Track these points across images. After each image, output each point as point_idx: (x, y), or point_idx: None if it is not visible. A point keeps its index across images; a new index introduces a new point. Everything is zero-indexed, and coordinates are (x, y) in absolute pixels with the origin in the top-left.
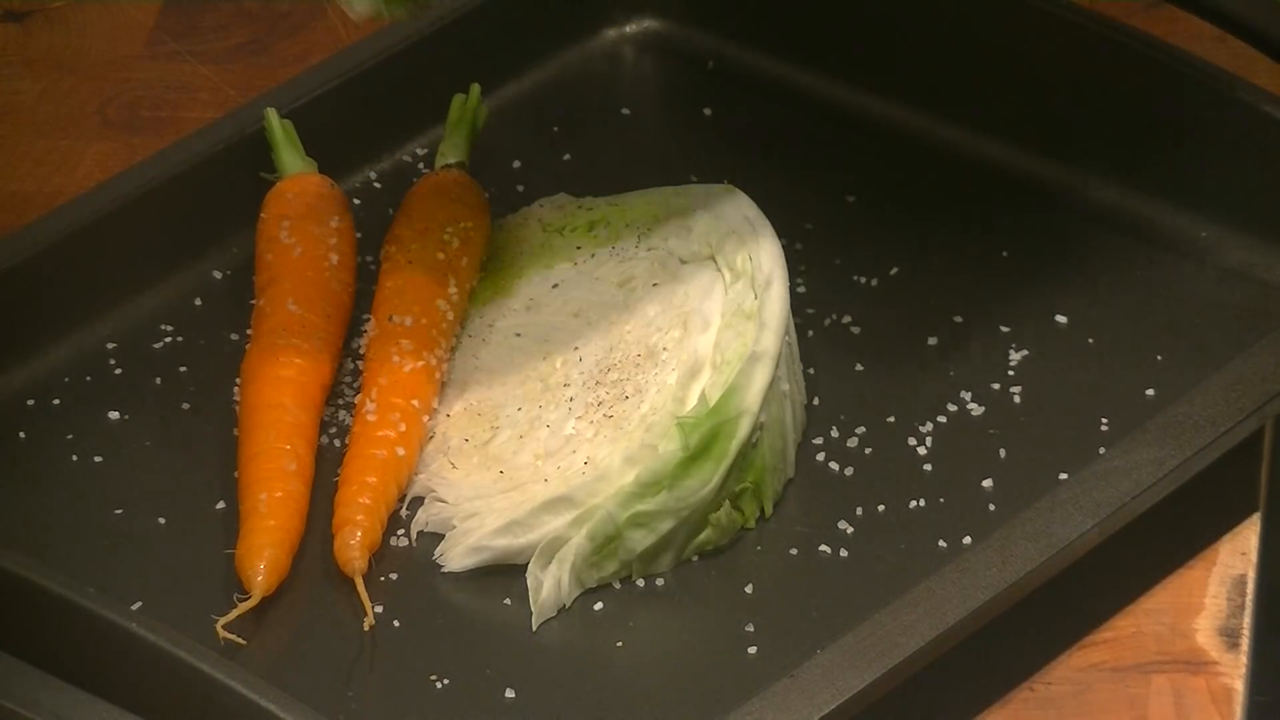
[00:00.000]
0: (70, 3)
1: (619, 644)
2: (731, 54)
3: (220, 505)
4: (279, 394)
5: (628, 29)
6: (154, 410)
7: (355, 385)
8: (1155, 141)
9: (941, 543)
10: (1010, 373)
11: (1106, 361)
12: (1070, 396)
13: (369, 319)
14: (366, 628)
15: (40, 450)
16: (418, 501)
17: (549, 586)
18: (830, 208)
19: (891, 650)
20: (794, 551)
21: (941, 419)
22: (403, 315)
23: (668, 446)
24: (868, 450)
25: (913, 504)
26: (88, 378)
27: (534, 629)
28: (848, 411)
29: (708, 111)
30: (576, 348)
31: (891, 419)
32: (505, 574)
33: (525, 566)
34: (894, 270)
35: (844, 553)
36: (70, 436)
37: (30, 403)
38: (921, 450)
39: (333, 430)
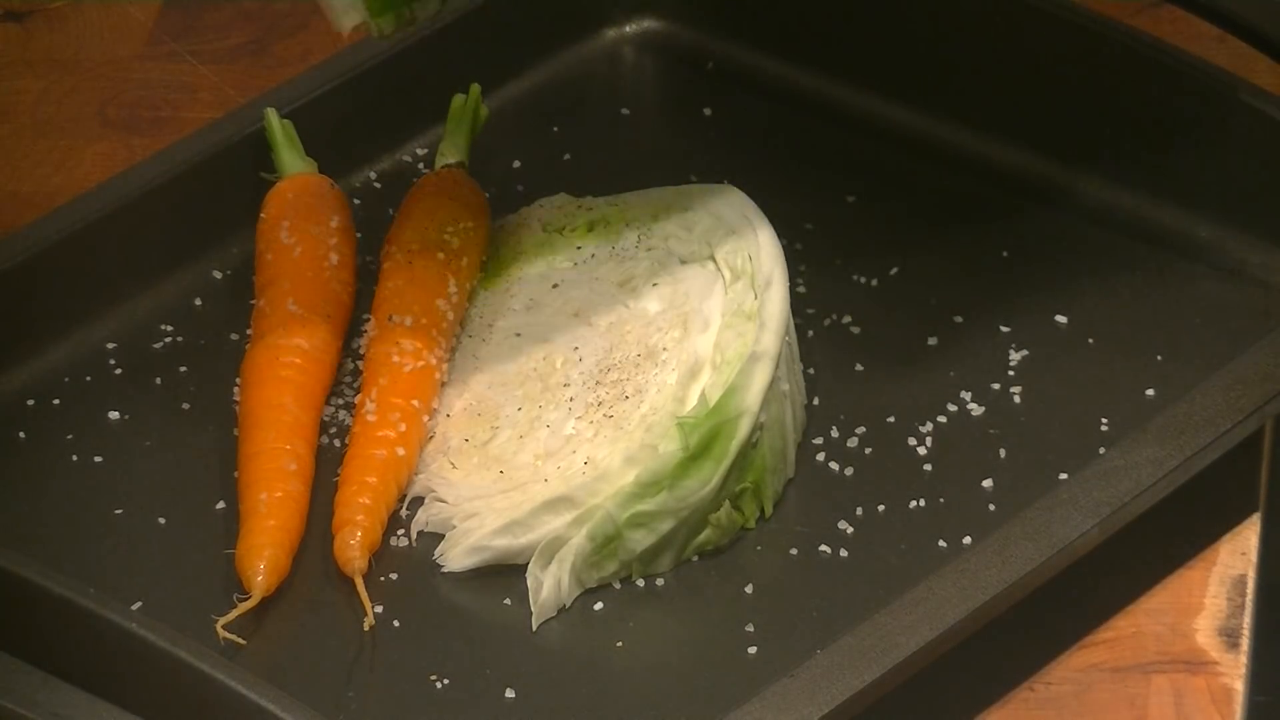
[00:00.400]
0: (70, 3)
1: (619, 644)
2: (731, 54)
3: (220, 505)
4: (279, 394)
5: (628, 29)
6: (154, 410)
7: (355, 385)
8: (1155, 141)
9: (941, 543)
10: (1010, 373)
11: (1106, 361)
12: (1070, 396)
13: (369, 319)
14: (366, 628)
15: (40, 450)
16: (418, 501)
17: (549, 586)
18: (830, 208)
19: (891, 650)
20: (794, 551)
21: (941, 419)
22: (403, 315)
23: (668, 446)
24: (868, 450)
25: (913, 504)
26: (88, 378)
27: (534, 629)
28: (848, 411)
29: (708, 111)
30: (576, 348)
31: (891, 419)
32: (505, 574)
33: (525, 566)
34: (894, 270)
35: (844, 553)
36: (70, 436)
37: (30, 403)
38: (921, 450)
39: (333, 430)
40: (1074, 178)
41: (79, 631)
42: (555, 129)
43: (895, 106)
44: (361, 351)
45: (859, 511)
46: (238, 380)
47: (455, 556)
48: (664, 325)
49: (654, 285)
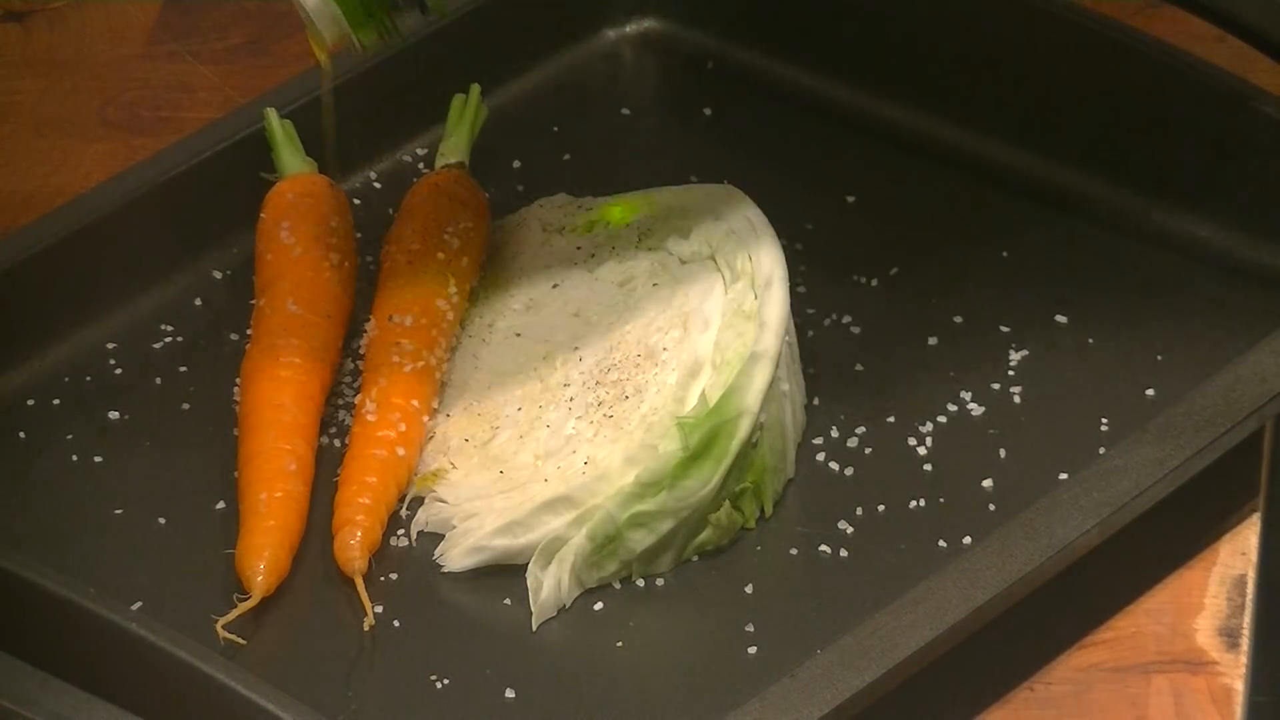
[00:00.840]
0: (70, 3)
1: (619, 644)
2: (731, 54)
3: (220, 505)
4: (279, 394)
5: (628, 29)
6: (154, 410)
7: (355, 385)
8: (1155, 142)
9: (941, 543)
10: (1010, 373)
11: (1106, 361)
12: (1070, 396)
13: (369, 319)
14: (366, 628)
15: (40, 450)
16: (418, 501)
17: (549, 586)
18: (830, 208)
19: (891, 650)
20: (794, 551)
21: (941, 419)
22: (403, 315)
23: (668, 446)
24: (868, 450)
25: (913, 504)
26: (88, 378)
27: (534, 629)
28: (848, 411)
29: (708, 111)
30: (576, 348)
31: (891, 419)
32: (505, 574)
33: (525, 566)
34: (894, 270)
35: (844, 553)
36: (70, 436)
37: (30, 403)
38: (921, 450)
39: (333, 430)
40: (1074, 178)
41: (79, 631)
42: (555, 129)
43: (895, 106)
44: (361, 351)
45: (859, 511)
46: (238, 380)
47: (455, 556)
48: (664, 325)
49: (654, 285)
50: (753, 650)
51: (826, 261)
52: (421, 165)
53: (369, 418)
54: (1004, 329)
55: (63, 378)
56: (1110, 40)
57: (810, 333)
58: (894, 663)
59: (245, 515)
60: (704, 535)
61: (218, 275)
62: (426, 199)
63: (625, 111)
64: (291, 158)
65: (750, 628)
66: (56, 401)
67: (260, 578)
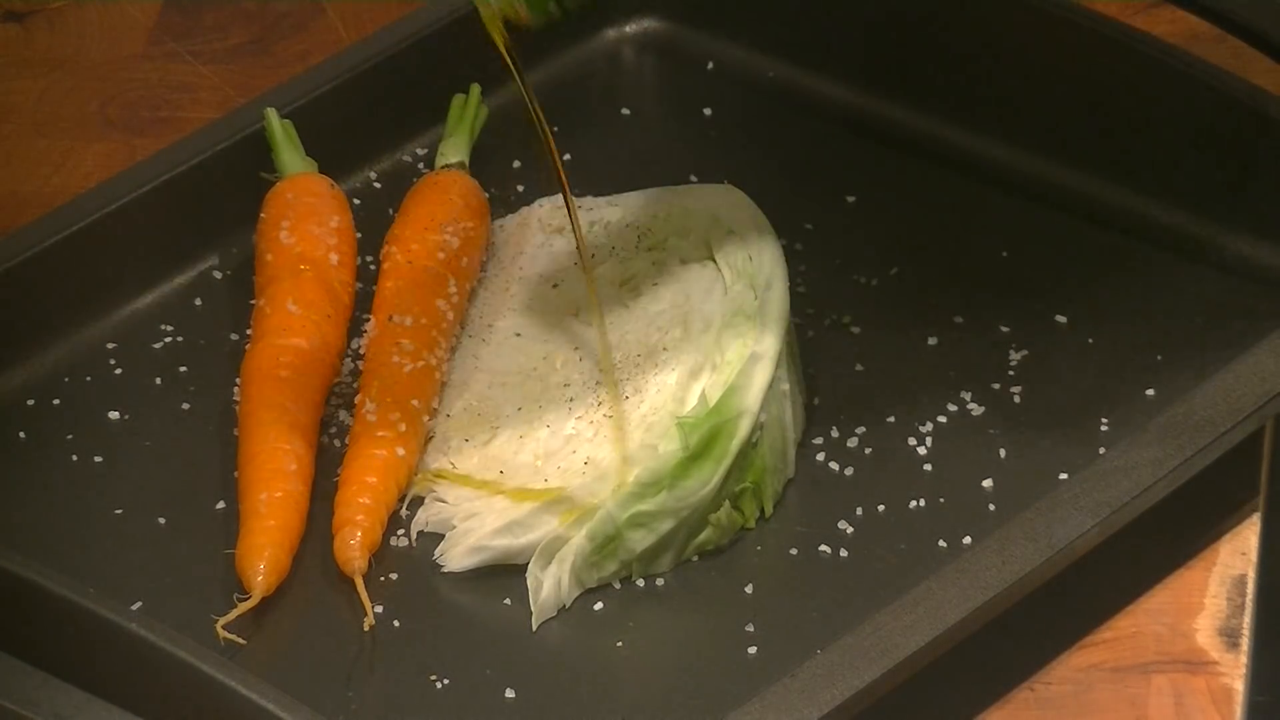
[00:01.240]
0: (70, 3)
1: (619, 644)
2: (731, 54)
3: (220, 505)
4: (279, 394)
5: (628, 29)
6: (154, 410)
7: (355, 385)
8: (1154, 141)
9: (941, 543)
10: (1010, 373)
11: (1106, 361)
12: (1070, 396)
13: (369, 319)
14: (366, 628)
15: (40, 450)
16: (418, 501)
17: (549, 586)
18: (830, 208)
19: (891, 650)
20: (794, 551)
21: (941, 419)
22: (403, 315)
23: (668, 446)
24: (868, 450)
25: (913, 504)
26: (88, 378)
27: (534, 629)
28: (848, 411)
29: (708, 111)
30: (576, 348)
31: (891, 419)
32: (505, 574)
33: (525, 566)
34: (894, 270)
35: (844, 553)
36: (70, 436)
37: (30, 403)
38: (921, 450)
39: (333, 430)
40: (1074, 177)
41: (79, 631)
42: (555, 129)
43: (896, 107)
44: (361, 351)
45: (859, 511)
46: (238, 380)
47: (455, 556)
48: (664, 325)
49: (654, 285)
50: (753, 650)
51: (826, 261)
52: (421, 165)
53: (369, 418)
54: (1004, 329)
55: (63, 378)
56: (1110, 40)
57: (810, 333)
58: (894, 663)
59: (245, 515)
60: (704, 535)
61: (218, 275)
62: (426, 199)
63: (625, 111)
64: (291, 158)
65: (750, 628)
66: (56, 401)
67: (260, 578)
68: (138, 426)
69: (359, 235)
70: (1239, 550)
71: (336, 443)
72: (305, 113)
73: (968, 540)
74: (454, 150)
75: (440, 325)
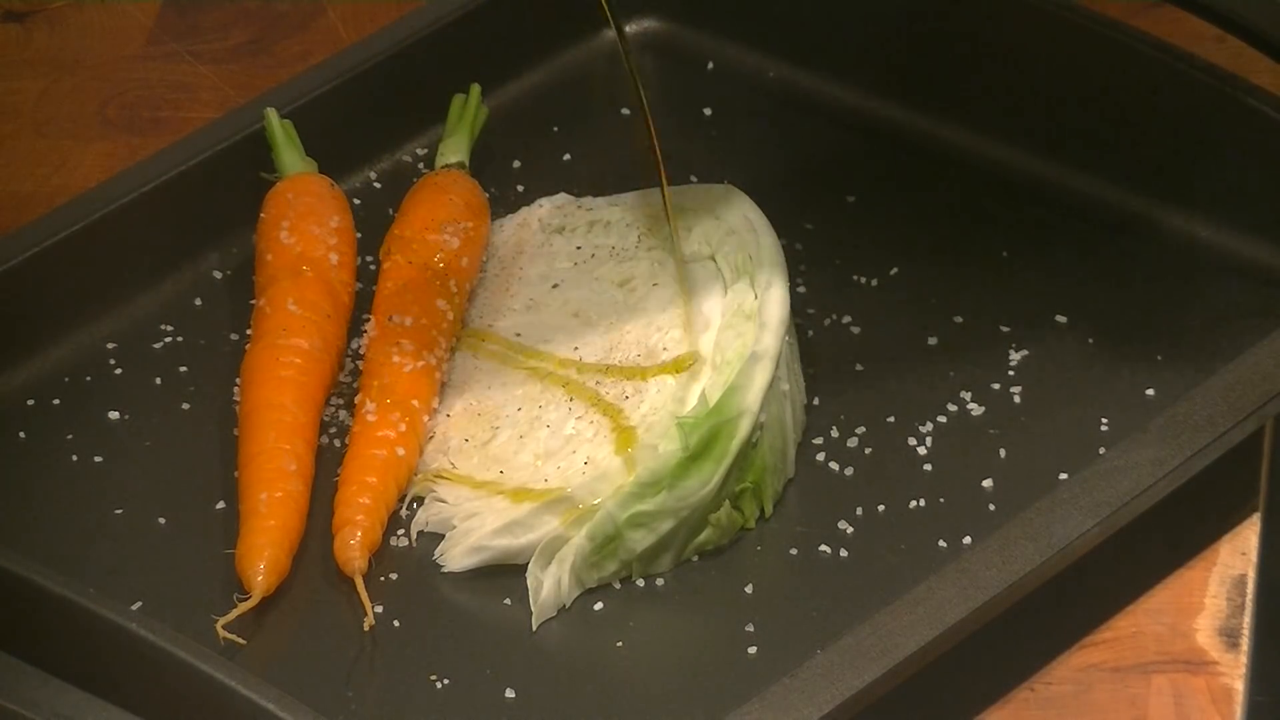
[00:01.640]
0: (70, 3)
1: (619, 644)
2: (731, 54)
3: (220, 505)
4: (279, 394)
5: (628, 29)
6: (154, 410)
7: (355, 385)
8: (1155, 141)
9: (941, 543)
10: (1010, 373)
11: (1106, 361)
12: (1070, 396)
13: (369, 319)
14: (366, 628)
15: (40, 450)
16: (418, 501)
17: (549, 586)
18: (830, 208)
19: (891, 650)
20: (794, 551)
21: (941, 419)
22: (403, 315)
23: (668, 446)
24: (868, 450)
25: (913, 504)
26: (88, 378)
27: (534, 629)
28: (848, 411)
29: (708, 111)
30: (576, 348)
31: (891, 419)
32: (505, 574)
33: (525, 566)
34: (894, 270)
35: (844, 553)
36: (70, 436)
37: (30, 403)
38: (921, 450)
39: (333, 430)
40: (1074, 178)
41: (79, 631)
42: (555, 129)
43: (895, 106)
44: (361, 351)
45: (859, 511)
46: (238, 380)
47: (455, 556)
48: (664, 325)
49: (654, 285)
50: (753, 650)
51: (826, 261)
52: (421, 165)
53: (369, 418)
54: (1004, 329)
55: (63, 378)
56: (1110, 40)
57: (810, 333)
58: (894, 663)
59: (245, 515)
60: (704, 535)
61: (218, 275)
62: (426, 199)
63: (625, 111)
64: (291, 158)
65: (750, 628)
66: (56, 401)
67: (260, 578)
68: (138, 426)
69: (359, 235)
70: (1239, 550)
71: (336, 443)
72: (305, 113)
73: (968, 540)
74: (454, 150)
75: (440, 325)
